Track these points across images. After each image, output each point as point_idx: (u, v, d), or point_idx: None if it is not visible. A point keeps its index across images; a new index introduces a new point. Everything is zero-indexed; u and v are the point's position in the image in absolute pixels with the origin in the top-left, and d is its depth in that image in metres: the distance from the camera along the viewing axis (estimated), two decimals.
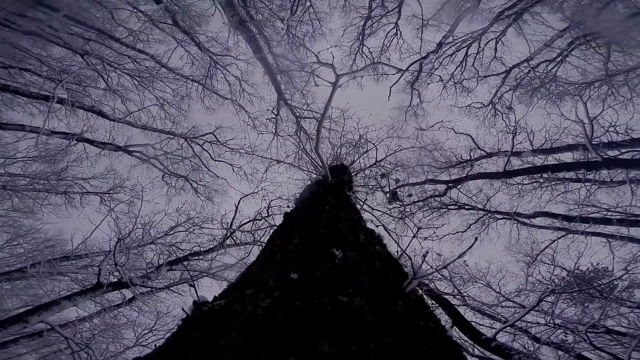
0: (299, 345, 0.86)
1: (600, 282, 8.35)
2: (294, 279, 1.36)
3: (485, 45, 13.15)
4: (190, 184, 14.84)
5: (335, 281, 1.36)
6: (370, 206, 10.15)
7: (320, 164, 8.11)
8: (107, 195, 13.47)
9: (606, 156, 9.69)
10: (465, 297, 10.77)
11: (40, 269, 7.93)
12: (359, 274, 1.48)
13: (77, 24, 10.24)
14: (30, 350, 11.01)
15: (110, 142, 12.42)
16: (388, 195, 10.58)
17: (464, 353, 1.02)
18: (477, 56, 13.48)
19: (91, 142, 12.07)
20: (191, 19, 11.32)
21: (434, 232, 12.65)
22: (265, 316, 1.07)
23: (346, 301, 1.16)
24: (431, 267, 12.51)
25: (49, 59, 10.74)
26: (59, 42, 10.22)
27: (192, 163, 14.52)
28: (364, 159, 10.19)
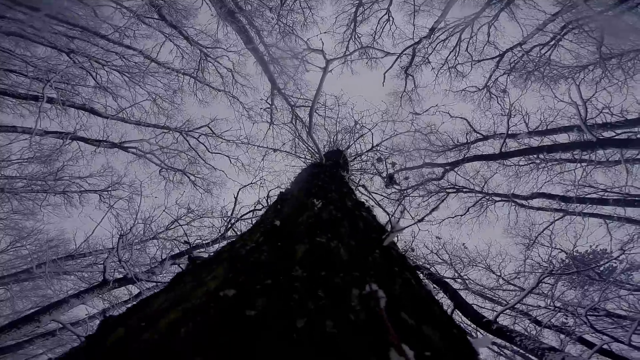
0: (276, 269, 1.01)
1: (598, 264, 8.53)
2: (277, 226, 1.49)
3: (478, 30, 13.04)
4: (188, 177, 14.81)
5: (315, 228, 1.46)
6: (367, 190, 10.24)
7: (315, 148, 8.20)
8: (106, 192, 13.45)
9: (601, 137, 9.78)
10: (466, 281, 11.01)
11: (46, 269, 8.00)
12: (340, 227, 1.56)
13: (60, 23, 9.98)
14: (46, 350, 11.19)
15: (104, 139, 12.30)
16: (385, 179, 10.64)
17: (440, 304, 1.10)
18: (471, 41, 13.40)
19: (85, 140, 11.95)
20: (178, 13, 11.08)
21: (430, 213, 12.80)
22: (248, 255, 1.22)
23: (323, 242, 1.26)
24: (430, 250, 12.74)
25: (33, 58, 10.51)
26: (42, 42, 9.99)
27: (189, 156, 14.47)
28: (359, 144, 10.24)
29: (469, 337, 0.89)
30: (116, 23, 11.07)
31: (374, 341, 0.70)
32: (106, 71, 12.08)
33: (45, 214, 12.80)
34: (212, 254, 1.59)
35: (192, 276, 1.16)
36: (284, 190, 4.80)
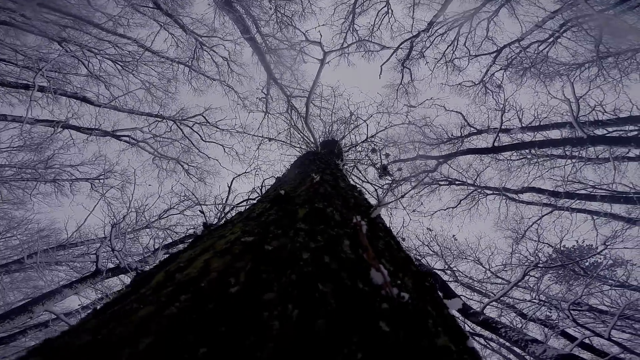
0: (284, 224, 1.24)
1: (582, 258, 8.77)
2: (281, 194, 1.68)
3: (477, 25, 12.96)
4: (182, 166, 14.70)
5: (313, 197, 1.70)
6: (360, 179, 10.35)
7: (311, 137, 8.25)
8: (98, 181, 13.28)
9: (592, 134, 9.92)
10: (456, 273, 11.25)
11: (38, 259, 7.94)
12: (334, 200, 1.77)
13: (52, 12, 9.70)
14: (39, 342, 11.19)
15: (97, 127, 12.10)
16: (379, 170, 10.72)
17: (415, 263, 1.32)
18: (469, 36, 13.32)
19: (77, 128, 11.74)
20: (174, 1, 10.83)
21: (421, 204, 13.00)
22: (259, 216, 1.44)
23: (321, 207, 1.48)
24: (422, 242, 12.95)
25: (23, 47, 10.22)
26: (33, 31, 9.70)
27: (182, 145, 14.34)
28: (355, 135, 10.30)
29: (440, 294, 1.08)
30: (110, 12, 10.80)
31: (359, 269, 0.92)
32: (99, 60, 11.83)
33: (36, 203, 12.65)
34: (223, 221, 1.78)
35: (210, 236, 1.35)
36: (280, 176, 4.96)
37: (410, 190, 12.85)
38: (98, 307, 0.87)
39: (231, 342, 0.55)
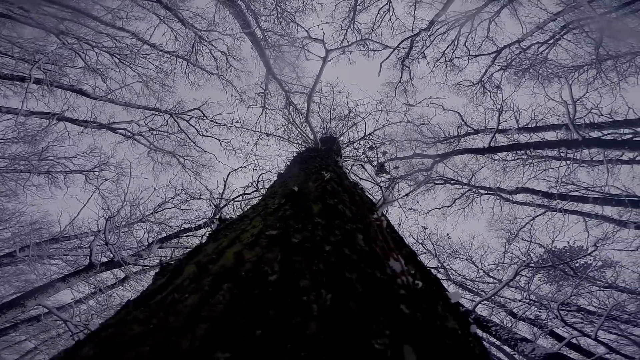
0: (302, 218, 1.34)
1: (572, 259, 8.90)
2: (295, 190, 1.77)
3: (479, 25, 12.94)
4: (177, 159, 14.61)
5: (324, 194, 1.81)
6: (357, 176, 10.39)
7: (311, 134, 8.26)
8: (92, 173, 13.18)
9: (587, 136, 10.01)
10: (449, 271, 11.35)
11: (30, 252, 7.89)
12: (342, 197, 1.90)
13: (50, 4, 9.55)
14: (29, 336, 11.13)
15: (92, 120, 11.97)
16: (376, 167, 10.76)
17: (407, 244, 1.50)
18: (470, 35, 13.29)
19: (73, 120, 11.61)
20: None
21: (417, 202, 13.09)
22: (275, 211, 1.54)
23: (332, 204, 1.61)
24: (416, 240, 13.04)
25: (20, 39, 10.08)
26: (31, 23, 9.55)
27: (179, 138, 14.25)
28: (352, 132, 10.33)
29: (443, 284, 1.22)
30: (109, 4, 10.64)
31: (374, 260, 1.03)
32: (96, 53, 11.67)
33: (29, 195, 12.50)
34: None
35: (229, 230, 1.45)
36: (282, 172, 5.05)
37: (412, 191, 12.98)
38: (132, 299, 0.91)
39: (280, 323, 0.63)
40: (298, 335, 0.59)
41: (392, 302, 0.77)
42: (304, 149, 9.75)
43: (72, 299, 8.20)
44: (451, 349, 0.69)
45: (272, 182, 4.12)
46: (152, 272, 11.13)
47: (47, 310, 6.31)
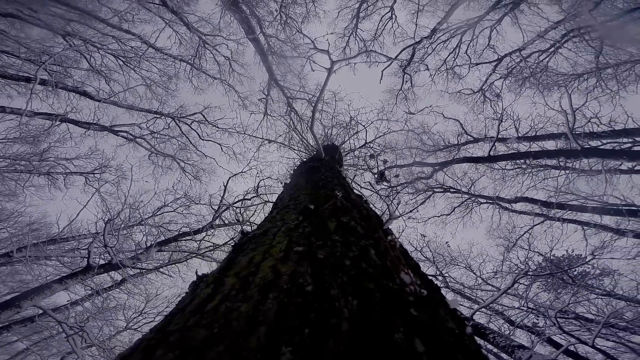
0: (321, 235, 1.52)
1: (570, 267, 8.88)
2: (311, 208, 1.96)
3: (480, 33, 13.07)
4: (178, 163, 14.66)
5: (337, 212, 2.00)
6: (358, 184, 10.41)
7: (314, 142, 8.29)
8: (93, 175, 13.19)
9: (587, 146, 10.06)
10: (447, 279, 11.30)
11: (27, 253, 7.84)
12: (352, 213, 2.06)
13: (59, 5, 9.68)
14: (21, 337, 11.00)
15: (95, 122, 12.03)
16: (376, 175, 10.80)
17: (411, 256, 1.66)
18: (471, 43, 13.42)
19: (76, 122, 11.67)
20: None
21: (417, 210, 13.09)
22: (296, 228, 1.72)
23: (345, 221, 1.81)
24: (415, 247, 13.01)
25: (27, 40, 10.18)
26: (38, 24, 9.67)
27: (180, 142, 14.32)
28: (353, 140, 10.39)
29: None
30: (116, 7, 10.77)
31: (387, 272, 1.19)
32: (101, 54, 11.77)
33: (28, 196, 12.47)
34: (254, 230, 2.03)
35: (254, 243, 1.60)
36: (287, 182, 5.12)
37: (418, 206, 13.12)
38: (186, 308, 1.03)
39: (321, 323, 0.78)
40: (336, 332, 0.74)
41: (403, 306, 0.94)
42: (304, 155, 9.80)
43: (67, 301, 8.13)
44: (451, 343, 0.84)
45: (279, 194, 4.22)
46: (150, 276, 11.14)
47: (41, 312, 6.26)
